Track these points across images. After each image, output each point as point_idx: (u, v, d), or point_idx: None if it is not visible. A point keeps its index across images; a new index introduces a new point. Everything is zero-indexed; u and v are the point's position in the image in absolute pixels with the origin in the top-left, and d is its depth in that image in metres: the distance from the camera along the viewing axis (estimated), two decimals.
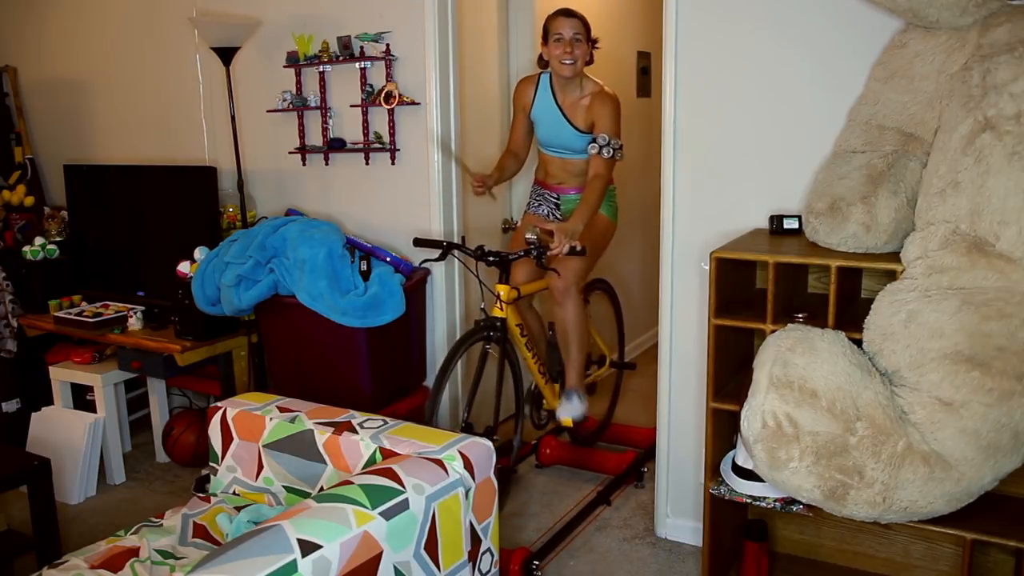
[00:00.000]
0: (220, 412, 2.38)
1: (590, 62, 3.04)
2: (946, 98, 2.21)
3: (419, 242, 2.95)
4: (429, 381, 3.43)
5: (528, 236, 2.84)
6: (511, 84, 3.97)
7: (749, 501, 2.35)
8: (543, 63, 3.05)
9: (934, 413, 2.00)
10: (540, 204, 3.28)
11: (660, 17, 2.81)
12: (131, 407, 4.07)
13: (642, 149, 4.81)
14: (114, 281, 3.88)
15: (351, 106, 3.46)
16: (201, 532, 2.19)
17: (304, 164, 3.63)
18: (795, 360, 2.06)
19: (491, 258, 2.88)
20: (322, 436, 2.18)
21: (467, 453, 2.02)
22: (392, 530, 1.74)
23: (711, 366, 2.41)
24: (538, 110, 3.10)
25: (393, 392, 3.18)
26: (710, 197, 2.79)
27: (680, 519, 3.03)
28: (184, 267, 3.34)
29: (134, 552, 2.08)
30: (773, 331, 2.21)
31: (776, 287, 2.29)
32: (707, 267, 2.52)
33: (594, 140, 2.96)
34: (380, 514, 1.73)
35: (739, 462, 2.37)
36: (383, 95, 3.32)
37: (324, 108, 3.51)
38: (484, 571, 2.08)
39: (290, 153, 3.65)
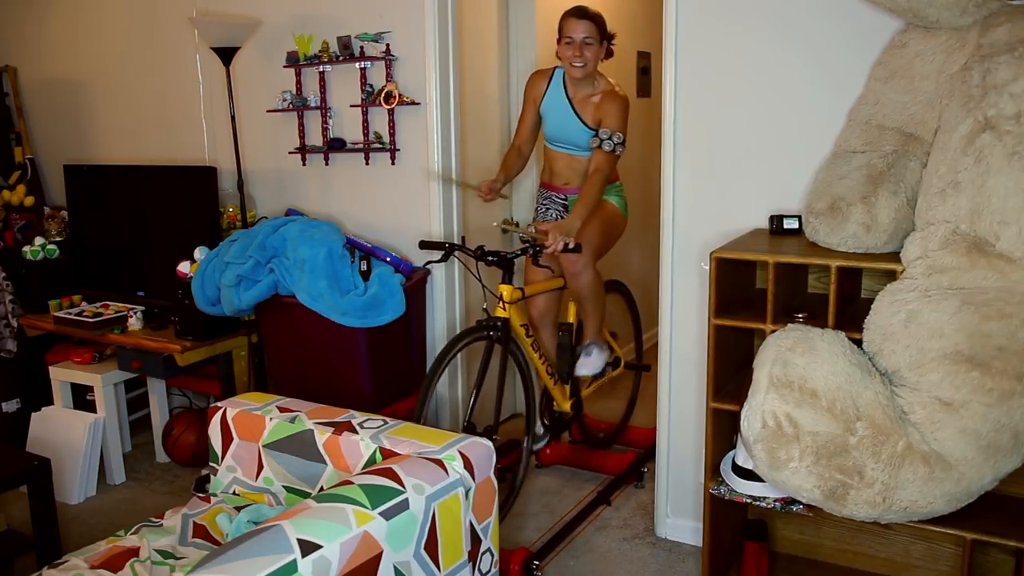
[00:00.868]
0: (220, 412, 2.38)
1: (609, 55, 3.03)
2: (946, 98, 2.21)
3: (425, 244, 2.96)
4: None
5: (525, 232, 2.84)
6: (511, 84, 3.98)
7: (749, 501, 2.35)
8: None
9: (934, 413, 2.00)
10: (548, 208, 3.25)
11: (660, 17, 2.81)
12: (131, 407, 4.07)
13: (642, 149, 4.81)
14: (114, 281, 3.88)
15: (351, 106, 3.46)
16: (201, 532, 2.19)
17: (304, 164, 3.63)
18: (795, 360, 2.06)
19: (491, 258, 2.88)
20: (322, 436, 2.18)
21: (467, 453, 2.02)
22: (392, 530, 1.74)
23: (711, 366, 2.41)
24: (548, 103, 3.08)
25: (393, 392, 3.18)
26: (710, 197, 2.79)
27: (680, 519, 3.03)
28: (184, 267, 3.34)
29: (134, 552, 2.08)
30: (773, 331, 2.21)
31: (776, 287, 2.29)
32: (707, 267, 2.52)
33: (596, 134, 2.96)
34: (380, 514, 1.73)
35: (739, 462, 2.37)
36: (383, 95, 3.32)
37: (324, 108, 3.51)
38: (484, 571, 2.08)
39: (290, 153, 3.65)
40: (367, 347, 3.01)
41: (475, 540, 2.03)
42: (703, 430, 2.53)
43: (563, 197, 3.21)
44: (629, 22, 4.87)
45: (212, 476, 2.41)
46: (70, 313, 3.57)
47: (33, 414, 3.61)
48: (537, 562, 2.74)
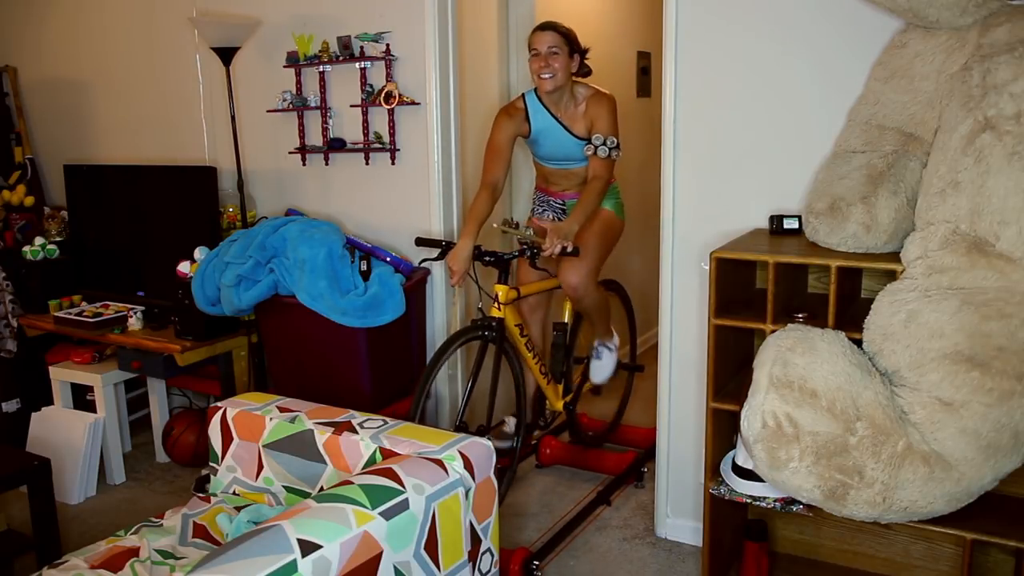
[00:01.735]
0: (220, 412, 2.38)
1: (588, 72, 3.01)
2: (946, 98, 2.21)
3: (420, 241, 2.97)
4: None
5: (523, 234, 2.83)
6: (511, 84, 3.98)
7: (749, 501, 2.35)
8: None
9: (934, 413, 2.00)
10: (545, 209, 3.25)
11: (660, 17, 2.81)
12: (131, 407, 4.07)
13: (642, 149, 4.81)
14: (114, 281, 3.88)
15: (351, 106, 3.46)
16: (201, 532, 2.19)
17: (304, 164, 3.63)
18: (795, 360, 2.06)
19: (487, 258, 2.88)
20: (322, 436, 2.18)
21: (467, 453, 2.02)
22: (392, 530, 1.74)
23: (711, 366, 2.41)
24: (537, 130, 3.02)
25: (393, 392, 3.18)
26: (710, 197, 2.79)
27: (680, 519, 3.03)
28: (184, 267, 3.34)
29: (134, 552, 2.08)
30: (773, 331, 2.21)
31: (776, 287, 2.29)
32: (707, 267, 2.52)
33: (589, 142, 2.94)
34: (380, 514, 1.73)
35: (739, 462, 2.37)
36: (383, 95, 3.32)
37: (324, 108, 3.51)
38: (484, 571, 2.08)
39: (290, 153, 3.65)
40: (367, 347, 3.01)
41: (475, 540, 2.03)
42: (703, 430, 2.53)
43: (561, 202, 3.21)
44: (629, 22, 4.87)
45: (212, 476, 2.41)
46: (70, 313, 3.57)
47: (33, 414, 3.61)
48: (537, 562, 2.74)
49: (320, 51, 3.44)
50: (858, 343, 2.16)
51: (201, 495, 2.37)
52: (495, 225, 2.97)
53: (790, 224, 2.55)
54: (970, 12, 2.16)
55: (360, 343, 3.00)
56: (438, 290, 3.40)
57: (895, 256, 2.20)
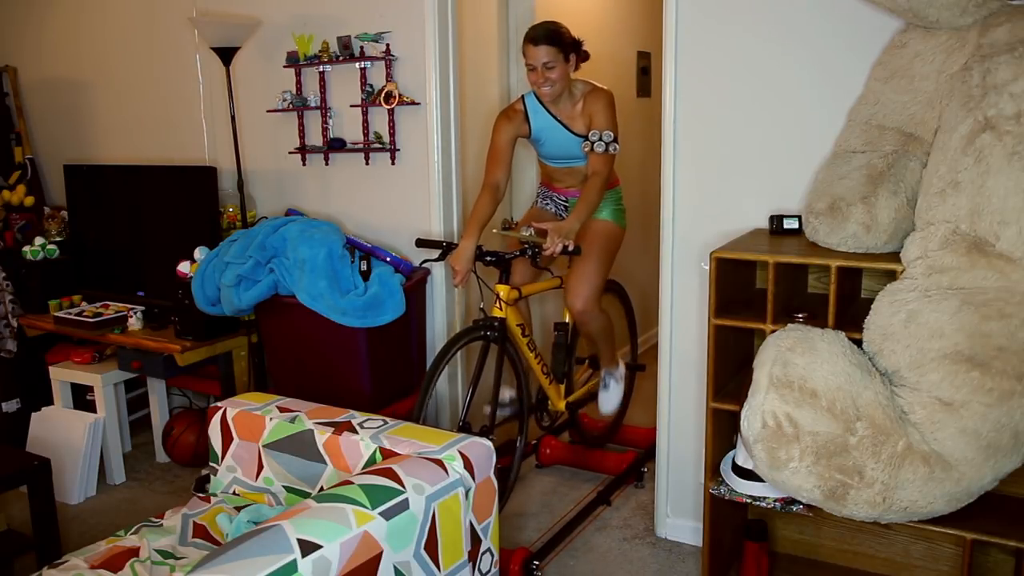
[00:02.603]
0: (220, 412, 2.38)
1: (586, 58, 2.94)
2: (946, 98, 2.21)
3: (421, 242, 2.96)
4: None
5: (523, 234, 2.82)
6: (511, 84, 3.98)
7: (749, 501, 2.35)
8: None
9: (934, 413, 2.00)
10: (547, 203, 3.24)
11: (660, 17, 2.81)
12: (131, 407, 4.07)
13: (642, 149, 4.81)
14: (114, 281, 3.88)
15: (351, 106, 3.46)
16: (201, 532, 2.19)
17: (304, 164, 3.63)
18: (795, 360, 2.06)
19: (488, 258, 2.87)
20: (322, 436, 2.18)
21: (467, 453, 2.02)
22: (392, 530, 1.74)
23: (711, 366, 2.41)
24: (539, 131, 3.00)
25: (393, 392, 3.18)
26: (710, 197, 2.79)
27: (680, 519, 3.03)
28: (184, 267, 3.34)
29: (134, 552, 2.08)
30: (773, 331, 2.21)
31: (776, 287, 2.29)
32: (707, 267, 2.52)
33: (586, 139, 2.91)
34: (380, 514, 1.73)
35: (739, 462, 2.37)
36: (383, 95, 3.33)
37: (324, 108, 3.51)
38: (484, 571, 2.08)
39: (290, 153, 3.65)
40: (367, 347, 3.01)
41: (475, 540, 2.03)
42: (703, 430, 2.53)
43: (564, 199, 3.20)
44: (629, 22, 4.87)
45: (212, 476, 2.41)
46: (70, 313, 3.57)
47: (33, 414, 3.61)
48: (537, 562, 2.74)
49: (320, 51, 3.44)
50: (858, 343, 2.16)
51: (201, 495, 2.37)
52: (494, 231, 2.97)
53: (790, 224, 2.55)
54: (970, 12, 2.16)
55: (360, 343, 3.00)
56: (438, 290, 3.40)
57: (895, 256, 2.20)
